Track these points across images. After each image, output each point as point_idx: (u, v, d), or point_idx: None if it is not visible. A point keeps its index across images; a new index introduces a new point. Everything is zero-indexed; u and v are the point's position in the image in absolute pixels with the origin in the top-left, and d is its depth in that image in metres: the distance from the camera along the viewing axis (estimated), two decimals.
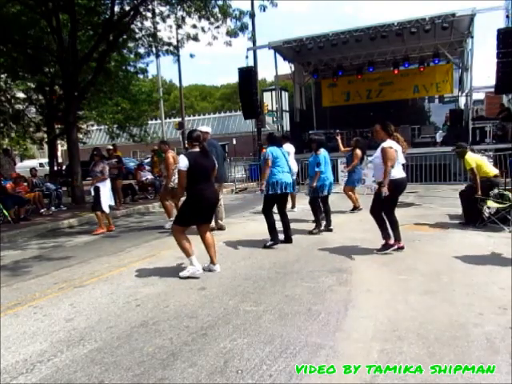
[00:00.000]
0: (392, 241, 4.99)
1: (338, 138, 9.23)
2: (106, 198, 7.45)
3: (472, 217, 6.31)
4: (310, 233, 6.29)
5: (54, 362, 2.71)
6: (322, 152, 6.37)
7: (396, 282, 3.93)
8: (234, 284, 4.10)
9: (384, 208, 4.98)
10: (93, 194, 7.45)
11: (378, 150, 4.92)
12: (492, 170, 6.42)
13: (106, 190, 7.46)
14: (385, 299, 3.51)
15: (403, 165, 5.06)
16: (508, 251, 4.68)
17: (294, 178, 8.38)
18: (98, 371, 2.55)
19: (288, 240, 5.72)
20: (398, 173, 4.86)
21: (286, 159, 5.74)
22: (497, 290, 3.59)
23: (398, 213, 7.69)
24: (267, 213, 5.67)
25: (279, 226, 5.73)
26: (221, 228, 6.96)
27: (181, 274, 4.36)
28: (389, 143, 4.83)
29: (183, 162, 4.20)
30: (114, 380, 2.44)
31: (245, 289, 3.93)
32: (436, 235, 5.91)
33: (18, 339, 3.09)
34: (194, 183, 4.26)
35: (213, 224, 6.51)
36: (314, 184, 6.23)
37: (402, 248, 5.00)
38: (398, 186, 4.88)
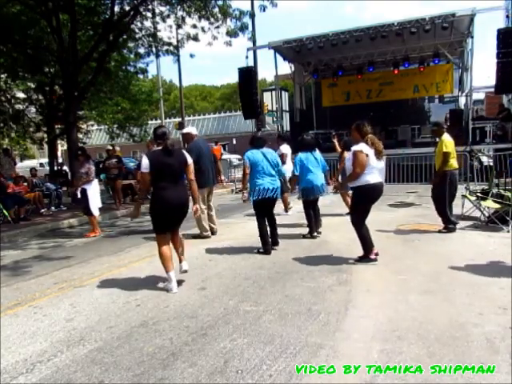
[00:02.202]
0: (373, 255, 4.58)
1: (335, 140, 9.14)
2: (95, 201, 7.10)
3: (447, 218, 5.98)
4: (304, 237, 6.12)
5: (54, 361, 2.71)
6: (299, 154, 6.13)
7: (396, 282, 3.93)
8: (234, 284, 4.10)
9: (354, 215, 4.64)
10: (79, 196, 7.10)
11: (350, 153, 4.60)
12: (456, 162, 6.01)
13: (93, 192, 7.08)
14: (385, 299, 3.51)
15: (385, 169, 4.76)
16: (508, 251, 4.68)
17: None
18: (98, 371, 2.55)
19: (274, 243, 5.46)
20: (371, 177, 4.43)
21: (269, 161, 5.32)
22: (497, 290, 3.59)
23: (399, 213, 7.77)
24: (258, 220, 5.39)
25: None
26: (213, 232, 6.62)
27: (158, 284, 4.16)
28: (359, 146, 4.44)
29: (144, 163, 3.88)
30: (114, 380, 2.44)
31: (245, 289, 3.93)
32: (436, 235, 5.91)
33: (18, 339, 3.10)
34: (158, 183, 3.93)
35: (197, 231, 6.45)
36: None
37: (377, 254, 4.61)
38: (371, 192, 4.48)
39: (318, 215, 6.32)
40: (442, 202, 5.97)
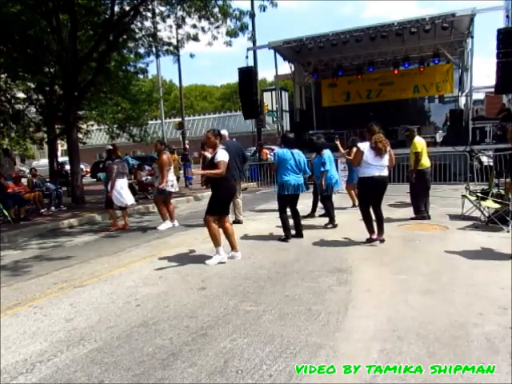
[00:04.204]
0: (375, 235, 5.43)
1: (338, 142, 9.33)
2: (111, 197, 7.48)
3: (418, 209, 6.97)
4: (325, 227, 6.70)
5: (54, 361, 2.71)
6: (326, 152, 6.76)
7: (396, 282, 3.93)
8: (234, 284, 4.10)
9: (359, 202, 5.66)
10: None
11: None
12: (427, 161, 6.98)
13: (114, 189, 7.49)
14: (385, 299, 3.51)
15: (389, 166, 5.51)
16: (508, 251, 4.68)
17: None
18: (98, 371, 2.55)
19: (299, 235, 6.05)
20: (368, 171, 5.27)
21: (295, 161, 5.88)
22: (497, 289, 3.59)
23: (399, 213, 7.77)
24: (280, 212, 5.99)
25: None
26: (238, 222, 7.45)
27: (208, 261, 4.82)
28: (361, 144, 5.39)
29: (226, 155, 4.78)
30: (114, 380, 2.44)
31: (245, 289, 3.93)
32: (436, 235, 5.91)
33: (17, 339, 3.10)
34: (227, 175, 4.82)
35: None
36: (323, 182, 6.63)
37: (382, 241, 5.42)
38: (368, 183, 5.31)
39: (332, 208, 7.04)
40: (415, 195, 7.04)
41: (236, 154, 7.00)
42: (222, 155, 4.72)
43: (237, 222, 7.41)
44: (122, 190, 7.57)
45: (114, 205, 7.58)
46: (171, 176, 7.48)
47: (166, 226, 7.35)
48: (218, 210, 4.85)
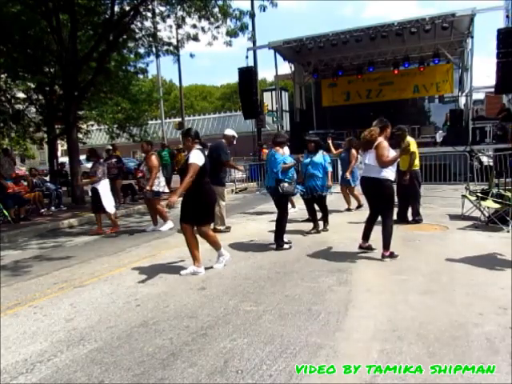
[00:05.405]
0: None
1: (330, 141, 9.24)
2: (108, 199, 7.32)
3: (402, 213, 6.78)
4: (324, 228, 6.49)
5: (54, 361, 2.71)
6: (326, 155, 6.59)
7: (396, 282, 3.93)
8: (234, 284, 4.10)
9: (390, 212, 4.96)
10: (90, 194, 7.44)
11: (373, 149, 4.73)
12: (418, 162, 6.73)
13: (105, 190, 7.31)
14: (385, 299, 3.51)
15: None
16: (508, 251, 4.68)
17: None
18: (98, 371, 2.55)
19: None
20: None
21: None
22: (497, 289, 3.59)
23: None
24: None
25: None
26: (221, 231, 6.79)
27: (215, 265, 4.69)
28: (387, 144, 4.74)
29: (201, 158, 4.32)
30: (114, 380, 2.44)
31: (245, 289, 3.93)
32: (436, 235, 5.91)
33: (17, 339, 3.09)
34: (205, 180, 4.46)
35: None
36: (330, 183, 6.51)
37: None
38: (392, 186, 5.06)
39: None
40: (415, 198, 6.73)
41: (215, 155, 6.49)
42: (195, 157, 4.28)
43: (218, 230, 6.51)
44: (108, 193, 7.43)
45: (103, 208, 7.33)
46: (162, 177, 7.51)
47: (168, 226, 7.28)
48: (209, 218, 4.64)
